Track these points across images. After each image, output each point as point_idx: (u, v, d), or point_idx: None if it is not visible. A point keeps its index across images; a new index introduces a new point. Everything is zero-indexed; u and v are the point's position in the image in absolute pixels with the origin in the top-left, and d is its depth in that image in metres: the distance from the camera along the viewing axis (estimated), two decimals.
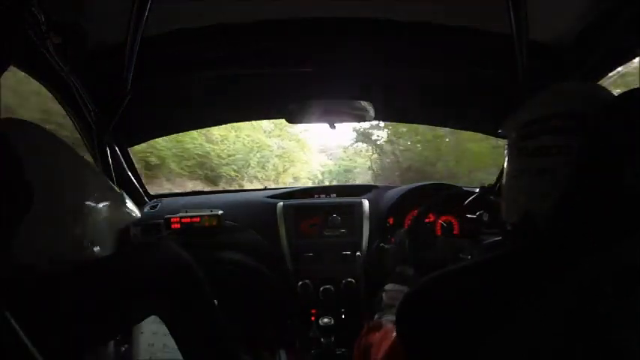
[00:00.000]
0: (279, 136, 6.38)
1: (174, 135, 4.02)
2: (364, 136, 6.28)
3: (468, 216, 1.02)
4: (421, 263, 0.97)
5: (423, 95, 1.43)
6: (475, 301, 0.49)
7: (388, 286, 0.93)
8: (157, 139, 3.64)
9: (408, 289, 0.90)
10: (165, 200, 1.54)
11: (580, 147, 0.49)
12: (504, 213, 0.63)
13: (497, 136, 1.54)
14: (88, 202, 0.77)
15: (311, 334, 1.38)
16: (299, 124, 2.72)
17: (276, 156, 6.36)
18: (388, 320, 0.83)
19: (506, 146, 0.62)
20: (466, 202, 1.00)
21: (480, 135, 2.30)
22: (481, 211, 1.01)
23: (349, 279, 1.39)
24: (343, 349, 1.31)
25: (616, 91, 0.53)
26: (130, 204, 0.94)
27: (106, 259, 0.74)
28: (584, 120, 0.52)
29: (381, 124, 5.78)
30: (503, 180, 0.62)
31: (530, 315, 0.44)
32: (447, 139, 5.27)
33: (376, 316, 0.89)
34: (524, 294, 0.45)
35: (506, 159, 0.61)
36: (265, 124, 5.95)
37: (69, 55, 0.88)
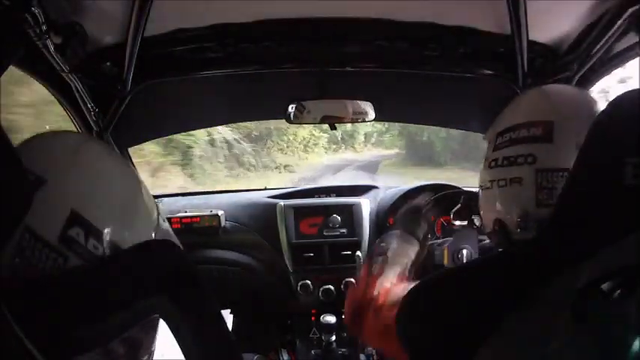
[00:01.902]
0: None
1: None
2: None
3: (457, 223, 1.02)
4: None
5: (423, 95, 1.43)
6: (473, 303, 0.49)
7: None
8: None
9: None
10: (166, 200, 1.54)
11: (581, 146, 0.49)
12: (483, 223, 0.64)
13: None
14: None
15: (312, 334, 1.39)
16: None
17: None
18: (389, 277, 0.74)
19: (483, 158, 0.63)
20: (452, 211, 1.00)
21: None
22: (474, 216, 1.01)
23: (349, 279, 1.39)
24: (343, 349, 1.31)
25: None
26: None
27: (105, 258, 0.74)
28: (548, 128, 0.53)
29: None
30: (479, 192, 0.63)
31: (530, 316, 0.44)
32: None
33: (374, 266, 0.78)
34: (524, 293, 0.45)
35: (481, 171, 0.62)
36: None
37: (69, 55, 0.88)
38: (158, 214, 0.80)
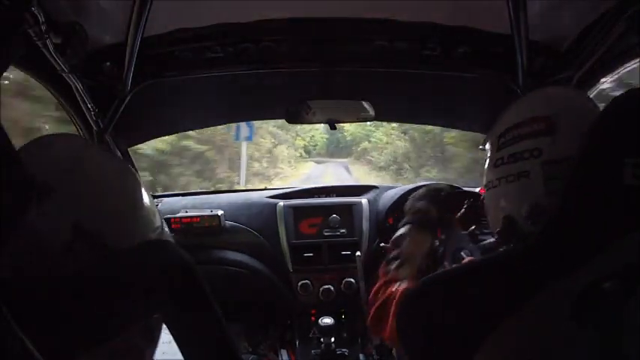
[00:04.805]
0: None
1: None
2: None
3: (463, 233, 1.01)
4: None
5: (423, 95, 1.43)
6: (475, 302, 0.49)
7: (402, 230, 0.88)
8: None
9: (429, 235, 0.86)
10: (166, 200, 1.54)
11: (580, 146, 0.49)
12: (490, 224, 0.65)
13: None
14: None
15: (311, 334, 1.39)
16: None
17: None
18: (404, 278, 0.79)
19: (485, 159, 0.64)
20: (458, 216, 1.00)
21: None
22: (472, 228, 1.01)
23: (349, 279, 1.39)
24: (343, 349, 1.31)
25: None
26: None
27: (105, 258, 0.74)
28: (550, 122, 0.54)
29: None
30: (485, 193, 0.64)
31: (531, 315, 0.44)
32: None
33: (390, 268, 0.83)
34: (525, 294, 0.45)
35: (485, 172, 0.63)
36: None
37: (69, 55, 0.88)
38: (161, 219, 0.80)
